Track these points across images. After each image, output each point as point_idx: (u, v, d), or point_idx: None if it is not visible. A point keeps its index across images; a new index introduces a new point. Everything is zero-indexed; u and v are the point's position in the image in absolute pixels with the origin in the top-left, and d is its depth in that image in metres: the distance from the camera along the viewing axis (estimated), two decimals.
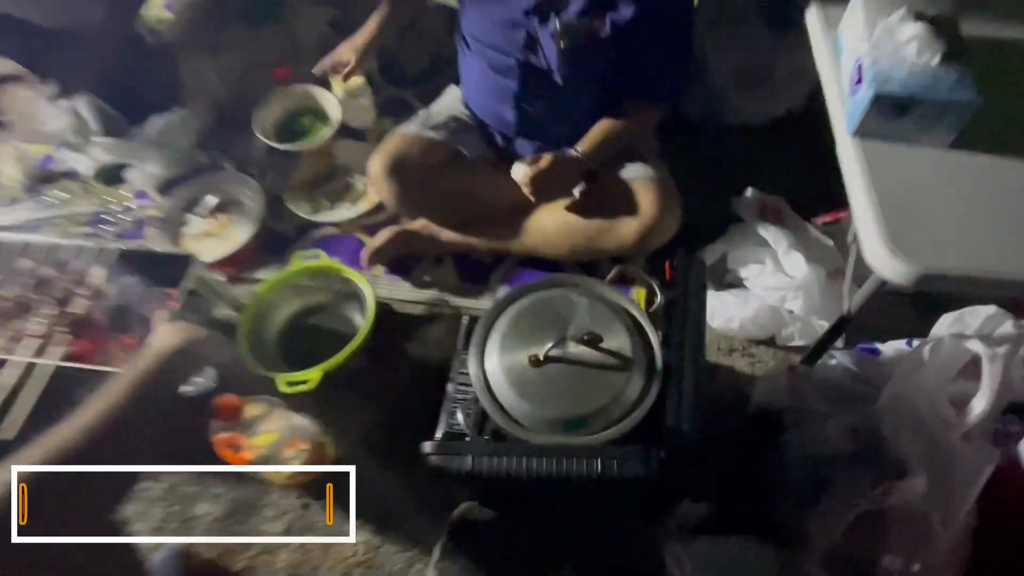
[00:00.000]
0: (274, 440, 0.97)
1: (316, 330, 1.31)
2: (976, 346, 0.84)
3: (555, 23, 1.04)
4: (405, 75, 1.70)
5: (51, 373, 1.13)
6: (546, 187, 1.12)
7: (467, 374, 1.12)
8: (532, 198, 1.14)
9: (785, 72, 1.40)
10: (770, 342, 1.19)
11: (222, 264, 1.41)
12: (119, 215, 1.49)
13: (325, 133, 1.52)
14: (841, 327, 0.94)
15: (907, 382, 0.91)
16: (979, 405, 0.83)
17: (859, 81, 0.79)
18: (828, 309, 1.10)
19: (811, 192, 1.29)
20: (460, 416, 0.89)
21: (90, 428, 0.57)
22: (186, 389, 0.72)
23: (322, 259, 1.30)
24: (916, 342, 0.98)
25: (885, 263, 0.69)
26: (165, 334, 0.71)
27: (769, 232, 1.16)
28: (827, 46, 0.90)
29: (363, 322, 1.19)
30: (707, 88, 1.45)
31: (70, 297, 1.11)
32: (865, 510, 0.87)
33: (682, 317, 0.84)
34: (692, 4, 1.15)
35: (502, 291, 1.29)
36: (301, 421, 1.05)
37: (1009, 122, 0.81)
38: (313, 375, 1.11)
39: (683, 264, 0.87)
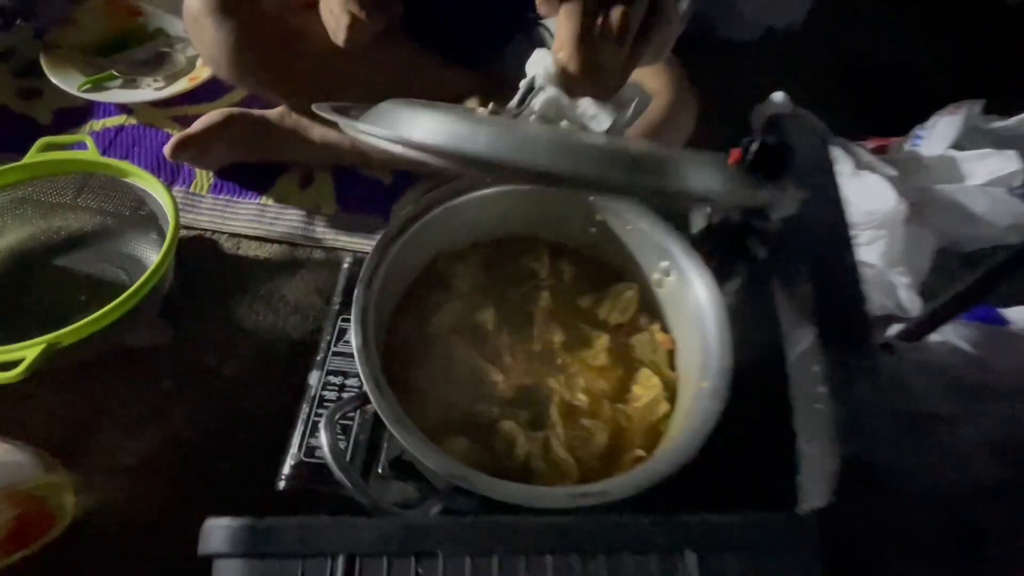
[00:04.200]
0: None
1: (65, 276, 0.74)
2: None
3: None
4: None
5: None
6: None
7: (346, 355, 0.64)
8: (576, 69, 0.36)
9: None
10: None
11: None
12: None
13: None
14: (993, 279, 0.55)
15: None
16: None
17: None
18: (912, 261, 0.74)
19: (838, 117, 0.95)
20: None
21: None
22: None
23: (90, 152, 0.74)
24: None
25: None
26: None
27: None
28: None
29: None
30: None
31: None
32: None
33: (803, 232, 0.41)
34: None
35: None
36: None
37: None
38: (26, 352, 0.55)
39: (796, 134, 0.45)
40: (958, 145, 0.90)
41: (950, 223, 0.81)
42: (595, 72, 0.33)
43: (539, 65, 0.33)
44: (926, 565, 0.54)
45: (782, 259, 0.50)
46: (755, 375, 0.48)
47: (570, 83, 0.33)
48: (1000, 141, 0.91)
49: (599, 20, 0.32)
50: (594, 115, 0.33)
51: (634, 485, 0.41)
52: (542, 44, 0.80)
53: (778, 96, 0.87)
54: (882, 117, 1.03)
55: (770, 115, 0.46)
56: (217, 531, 0.26)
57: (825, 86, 1.10)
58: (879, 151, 0.90)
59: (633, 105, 0.35)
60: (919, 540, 0.56)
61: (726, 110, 0.97)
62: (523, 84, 0.34)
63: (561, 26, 0.32)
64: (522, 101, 0.34)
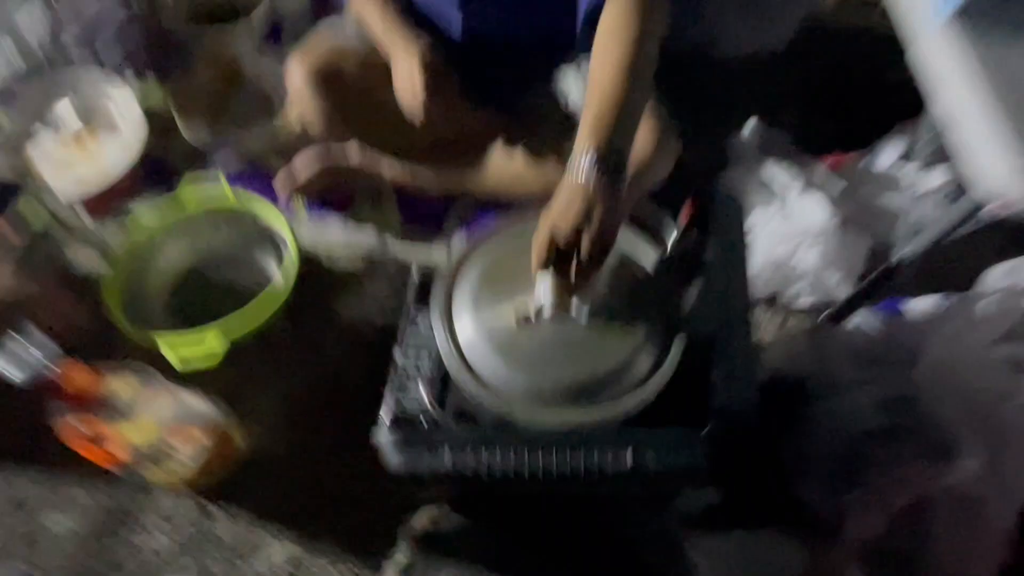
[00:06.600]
0: (154, 432, 0.70)
1: (218, 285, 1.02)
2: None
3: None
4: None
5: None
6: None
7: (422, 339, 0.89)
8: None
9: None
10: (769, 302, 1.04)
11: (92, 202, 1.07)
12: None
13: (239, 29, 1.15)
14: (887, 278, 0.78)
15: (949, 344, 0.78)
16: None
17: None
18: (846, 262, 0.95)
19: (808, 131, 1.14)
20: (418, 390, 0.66)
21: None
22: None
23: (224, 187, 1.01)
24: (953, 298, 0.85)
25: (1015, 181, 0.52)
26: None
27: (779, 170, 0.99)
28: None
29: (279, 273, 0.92)
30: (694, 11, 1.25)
31: None
32: (909, 497, 0.74)
33: (720, 268, 0.64)
34: None
35: (459, 238, 1.05)
36: (195, 401, 0.78)
37: None
38: (210, 339, 0.83)
39: (720, 203, 0.68)
40: (915, 155, 1.07)
41: (884, 228, 1.01)
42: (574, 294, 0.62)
43: (544, 295, 0.62)
44: (824, 478, 0.78)
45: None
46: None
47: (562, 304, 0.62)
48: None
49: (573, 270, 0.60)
50: (577, 311, 0.62)
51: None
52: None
53: (751, 124, 1.07)
54: (857, 130, 1.21)
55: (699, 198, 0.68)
56: (386, 437, 0.51)
57: (805, 103, 1.28)
58: (836, 166, 1.10)
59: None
60: (823, 465, 0.79)
61: (706, 129, 1.16)
62: (534, 307, 0.63)
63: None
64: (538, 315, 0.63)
